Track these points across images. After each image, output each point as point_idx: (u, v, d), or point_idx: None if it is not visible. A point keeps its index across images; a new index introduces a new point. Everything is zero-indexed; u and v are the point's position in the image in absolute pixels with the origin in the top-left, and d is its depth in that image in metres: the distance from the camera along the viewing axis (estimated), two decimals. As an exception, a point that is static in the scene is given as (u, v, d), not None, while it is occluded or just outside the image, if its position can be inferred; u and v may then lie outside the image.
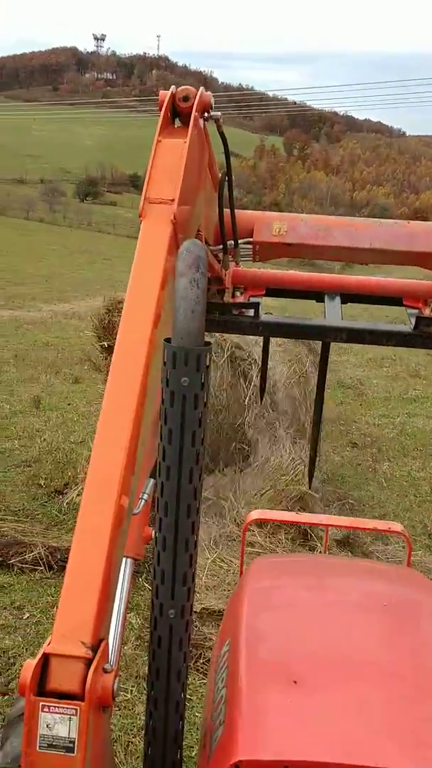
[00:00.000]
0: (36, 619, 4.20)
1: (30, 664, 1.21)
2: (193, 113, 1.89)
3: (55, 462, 6.61)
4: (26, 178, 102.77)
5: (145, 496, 1.82)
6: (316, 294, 3.02)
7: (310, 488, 5.27)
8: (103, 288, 26.41)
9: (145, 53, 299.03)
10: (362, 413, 9.47)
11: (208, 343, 1.27)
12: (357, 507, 6.22)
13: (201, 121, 1.96)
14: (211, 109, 1.97)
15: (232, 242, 2.52)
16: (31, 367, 10.91)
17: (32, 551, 4.74)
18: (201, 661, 3.85)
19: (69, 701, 1.18)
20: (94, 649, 1.23)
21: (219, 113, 2.03)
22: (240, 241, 2.54)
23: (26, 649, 3.91)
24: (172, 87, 1.98)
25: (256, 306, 2.90)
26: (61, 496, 5.90)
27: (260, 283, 2.95)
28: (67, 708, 1.17)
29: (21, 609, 4.29)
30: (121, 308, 1.66)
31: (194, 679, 3.73)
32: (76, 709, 1.17)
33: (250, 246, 2.63)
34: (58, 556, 4.76)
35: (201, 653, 3.88)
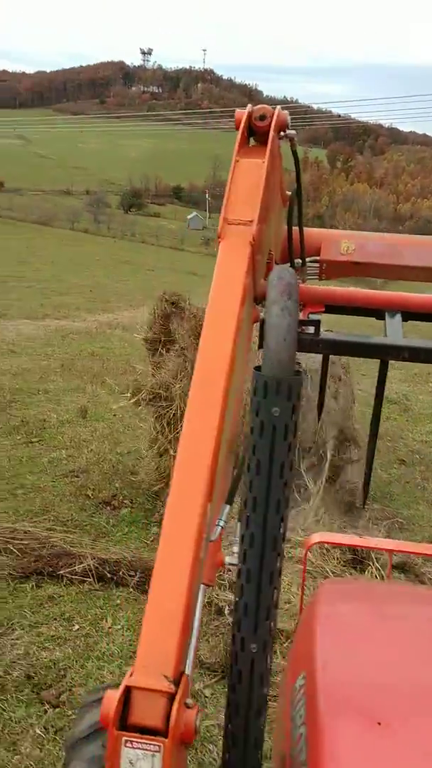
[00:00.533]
0: (85, 631, 4.20)
1: (113, 697, 1.19)
2: (271, 133, 1.87)
3: (102, 473, 6.66)
4: (72, 189, 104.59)
5: (222, 523, 1.79)
6: (376, 311, 2.97)
7: (364, 506, 5.18)
8: (145, 299, 26.65)
9: (191, 67, 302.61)
10: (409, 429, 9.31)
11: (299, 372, 1.25)
12: (407, 526, 6.09)
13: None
14: (287, 128, 1.96)
15: (299, 260, 2.49)
16: (77, 377, 11.01)
17: (81, 563, 4.75)
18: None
19: (153, 737, 1.15)
20: (176, 683, 1.21)
21: (294, 131, 2.01)
22: (307, 260, 2.52)
23: (76, 661, 3.91)
24: (249, 106, 1.97)
25: (316, 323, 2.86)
26: (108, 508, 5.92)
27: (320, 300, 2.91)
28: (151, 744, 1.15)
29: (70, 620, 4.29)
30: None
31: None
32: (159, 746, 1.15)
33: (316, 264, 2.61)
34: (107, 569, 4.77)
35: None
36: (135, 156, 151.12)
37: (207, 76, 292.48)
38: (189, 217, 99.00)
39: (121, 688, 1.19)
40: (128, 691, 1.20)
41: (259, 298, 1.96)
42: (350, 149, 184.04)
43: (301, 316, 2.99)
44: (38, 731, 3.35)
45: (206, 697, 3.69)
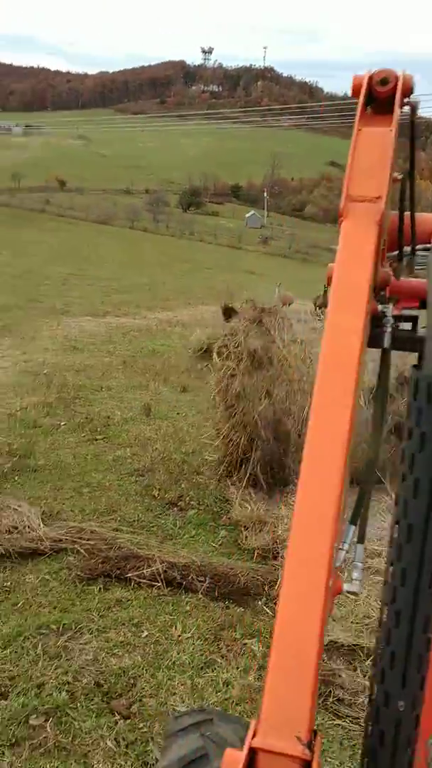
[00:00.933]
0: (155, 638, 4.05)
1: (235, 759, 0.98)
2: (398, 97, 1.65)
3: (168, 472, 6.53)
4: (132, 188, 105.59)
5: (345, 546, 1.58)
6: None
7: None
8: (204, 297, 26.61)
9: (251, 65, 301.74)
10: None
11: None
12: None
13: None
14: (412, 92, 1.73)
15: (408, 249, 2.26)
16: (139, 375, 10.95)
17: (150, 566, 4.61)
18: (331, 699, 3.58)
19: None
20: (310, 745, 1.00)
21: (418, 98, 1.79)
22: (418, 248, 2.28)
23: (146, 670, 3.76)
24: (369, 68, 1.75)
25: (414, 319, 2.63)
26: (175, 509, 5.78)
27: (416, 294, 2.68)
28: None
29: (139, 626, 4.15)
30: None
31: (324, 719, 3.47)
32: None
33: (427, 254, 2.36)
34: (175, 573, 4.62)
35: (330, 690, 3.61)
36: (194, 155, 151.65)
37: (267, 74, 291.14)
38: (247, 215, 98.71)
39: (246, 749, 0.99)
40: (253, 752, 1.00)
41: (379, 288, 1.75)
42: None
43: (395, 311, 2.76)
44: (109, 743, 3.21)
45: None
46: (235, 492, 5.89)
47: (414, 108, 1.77)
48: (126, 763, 3.12)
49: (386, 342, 1.89)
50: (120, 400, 9.19)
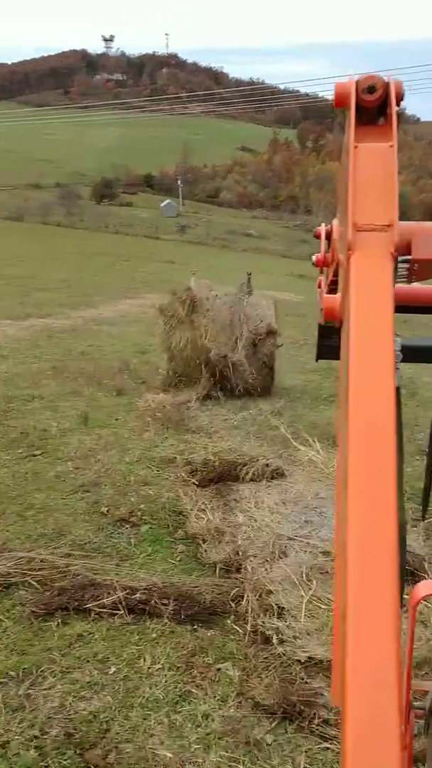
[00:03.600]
0: (123, 673, 3.80)
1: None
2: (393, 107, 1.47)
3: (115, 486, 6.25)
4: (42, 182, 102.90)
5: None
6: None
7: (423, 518, 4.83)
8: (127, 290, 26.18)
9: (155, 52, 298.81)
10: (423, 415, 8.98)
11: None
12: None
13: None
14: (402, 99, 1.55)
15: None
16: (71, 380, 10.55)
17: (110, 594, 4.35)
18: (316, 721, 3.43)
19: None
20: None
21: (404, 105, 1.61)
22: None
23: (118, 711, 3.51)
24: (354, 76, 1.55)
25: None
26: (127, 525, 5.52)
27: (398, 301, 2.53)
28: None
29: (105, 662, 3.89)
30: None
31: (311, 744, 3.33)
32: None
33: (406, 265, 2.20)
34: (137, 598, 4.38)
35: (315, 712, 3.47)
36: (104, 146, 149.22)
37: (171, 61, 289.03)
38: (162, 204, 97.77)
39: None
40: None
41: None
42: (320, 128, 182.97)
43: None
44: (89, 804, 2.96)
45: (268, 744, 3.32)
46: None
47: (399, 117, 1.59)
48: None
49: (397, 380, 1.72)
50: (54, 409, 8.80)
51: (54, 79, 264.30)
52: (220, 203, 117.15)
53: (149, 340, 14.70)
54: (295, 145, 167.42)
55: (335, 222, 2.22)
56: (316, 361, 2.66)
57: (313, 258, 2.55)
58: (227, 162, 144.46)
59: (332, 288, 2.38)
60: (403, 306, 2.62)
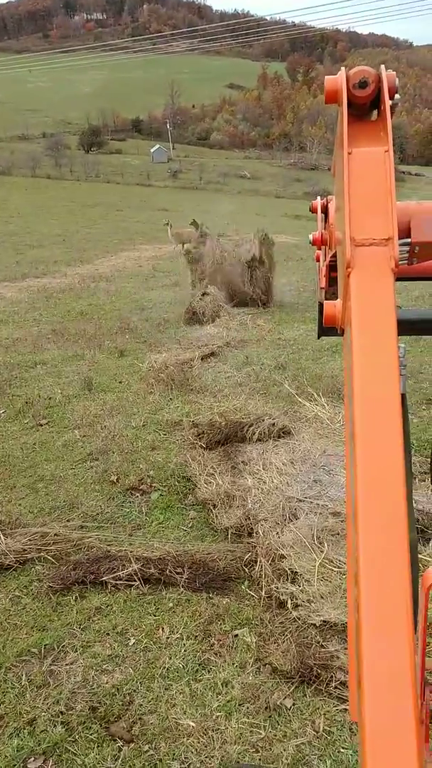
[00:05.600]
0: (143, 645, 3.88)
1: None
2: (386, 103, 1.38)
3: (123, 453, 6.28)
4: (28, 133, 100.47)
5: None
6: None
7: None
8: (121, 243, 25.83)
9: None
10: (427, 362, 8.93)
11: None
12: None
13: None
14: (396, 93, 1.46)
15: None
16: (73, 342, 10.51)
17: (125, 567, 4.41)
18: (333, 684, 3.51)
19: None
20: None
21: (399, 97, 1.53)
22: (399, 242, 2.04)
23: (140, 683, 3.60)
24: (342, 70, 1.47)
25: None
26: (138, 494, 5.56)
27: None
28: None
29: (124, 634, 3.97)
30: None
31: (329, 706, 3.41)
32: None
33: (406, 248, 2.13)
34: (151, 569, 4.44)
35: (332, 675, 3.55)
36: (88, 91, 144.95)
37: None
38: (152, 150, 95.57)
39: None
40: None
41: None
42: (309, 59, 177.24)
43: None
44: (118, 777, 3.06)
45: (288, 708, 3.40)
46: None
47: (393, 109, 1.51)
48: (139, 795, 2.98)
49: (403, 387, 1.68)
50: (57, 375, 8.79)
51: (32, 23, 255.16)
52: (212, 145, 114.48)
53: (147, 296, 14.59)
54: (286, 79, 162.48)
55: (332, 200, 2.15)
56: (318, 338, 2.62)
57: (310, 237, 2.49)
58: (216, 101, 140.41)
59: (332, 262, 2.32)
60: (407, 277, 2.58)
